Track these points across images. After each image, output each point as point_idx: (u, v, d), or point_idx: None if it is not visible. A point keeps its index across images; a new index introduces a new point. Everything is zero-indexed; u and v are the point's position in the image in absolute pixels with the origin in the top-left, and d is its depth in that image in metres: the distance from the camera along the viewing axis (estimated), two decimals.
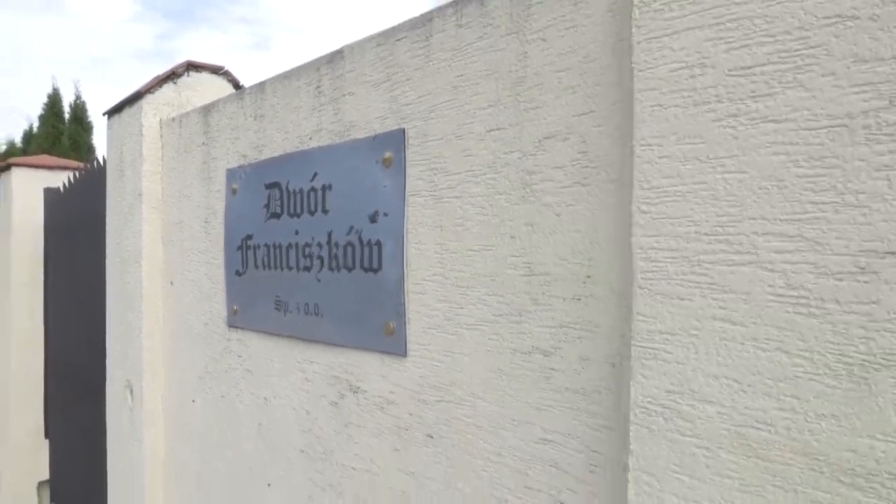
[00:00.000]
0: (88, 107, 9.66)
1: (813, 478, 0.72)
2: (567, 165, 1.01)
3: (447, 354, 1.20)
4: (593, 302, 0.98)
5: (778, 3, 0.74)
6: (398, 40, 1.31)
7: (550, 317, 1.03)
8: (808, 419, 0.72)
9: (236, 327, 1.85)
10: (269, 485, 1.72)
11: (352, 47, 1.43)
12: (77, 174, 3.31)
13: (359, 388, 1.42)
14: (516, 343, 1.08)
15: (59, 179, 3.78)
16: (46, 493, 3.93)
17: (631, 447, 0.87)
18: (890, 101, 0.67)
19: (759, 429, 0.76)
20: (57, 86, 11.20)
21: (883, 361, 0.67)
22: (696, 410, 0.81)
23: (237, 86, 2.38)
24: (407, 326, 1.29)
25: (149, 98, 2.22)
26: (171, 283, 2.19)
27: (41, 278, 3.84)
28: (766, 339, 0.75)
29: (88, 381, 3.07)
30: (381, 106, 1.35)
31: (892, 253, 0.67)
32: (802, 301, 0.72)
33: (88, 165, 3.17)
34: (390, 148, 1.31)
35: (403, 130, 1.29)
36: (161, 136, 2.22)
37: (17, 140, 10.26)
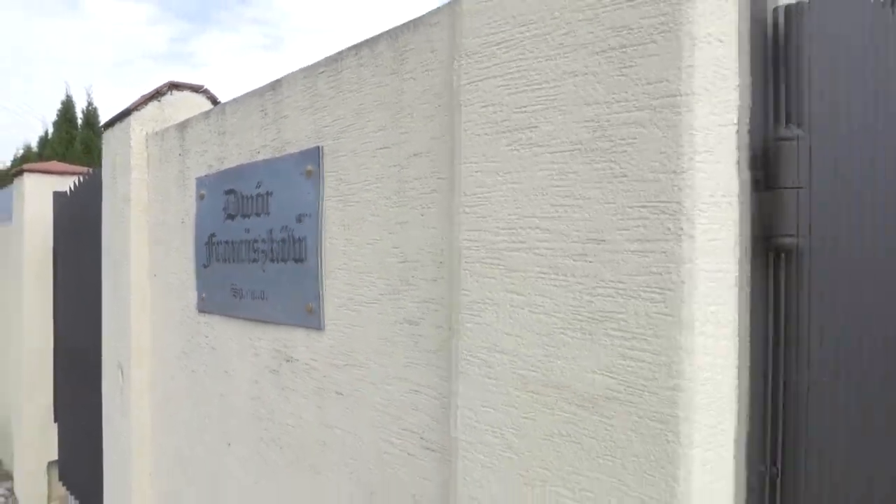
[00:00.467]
0: (101, 112, 10.12)
1: (562, 403, 1.00)
2: (426, 177, 1.30)
3: (350, 327, 1.50)
4: (443, 283, 1.26)
5: (538, 60, 1.03)
6: (319, 73, 1.61)
7: (417, 295, 1.32)
8: (559, 361, 1.00)
9: (204, 312, 2.15)
10: (229, 444, 2.02)
11: (287, 78, 1.73)
12: (80, 179, 3.65)
13: (291, 357, 1.72)
14: (395, 316, 1.37)
15: (67, 183, 4.12)
16: (55, 473, 4.27)
17: (459, 389, 1.16)
18: (594, 133, 0.95)
19: (532, 371, 1.04)
20: (70, 93, 11.68)
21: (600, 318, 0.96)
22: (495, 359, 1.09)
23: (215, 102, 2.69)
24: (323, 306, 1.58)
25: (136, 115, 2.54)
26: (155, 276, 2.50)
27: (51, 273, 4.19)
28: (536, 304, 1.03)
29: (92, 367, 3.40)
30: (307, 127, 1.64)
31: (603, 241, 0.95)
32: (555, 276, 1.01)
33: (90, 171, 3.50)
34: (311, 162, 1.61)
35: (320, 148, 1.58)
36: (146, 149, 2.54)
37: (34, 145, 10.73)
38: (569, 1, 0.98)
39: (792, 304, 0.98)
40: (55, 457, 4.26)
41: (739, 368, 0.96)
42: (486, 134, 1.11)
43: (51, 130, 10.01)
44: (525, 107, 1.05)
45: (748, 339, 0.96)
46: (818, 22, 0.98)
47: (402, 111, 1.36)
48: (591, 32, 0.95)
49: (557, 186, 1.00)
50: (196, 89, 2.68)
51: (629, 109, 0.91)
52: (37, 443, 4.27)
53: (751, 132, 0.96)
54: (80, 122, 9.86)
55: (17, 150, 11.31)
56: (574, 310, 0.98)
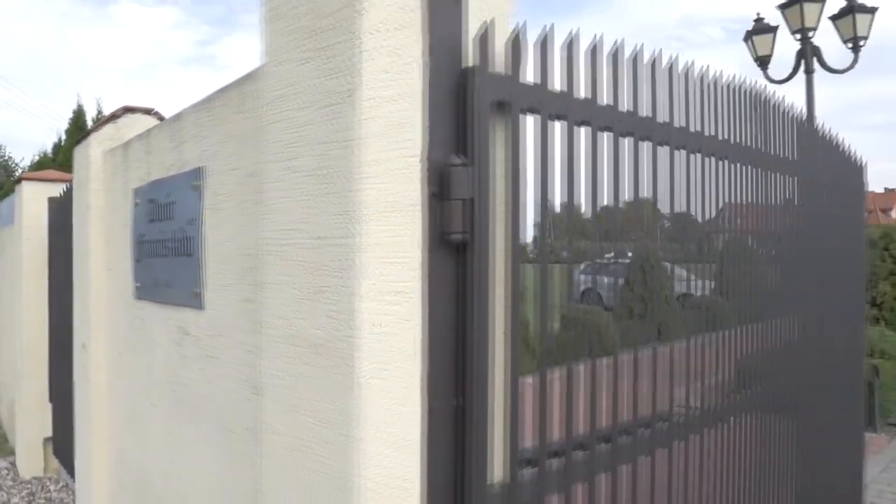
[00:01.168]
0: None
1: (304, 350, 1.42)
2: (254, 192, 1.73)
3: (218, 306, 1.94)
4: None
5: (295, 110, 1.45)
6: (201, 109, 2.06)
7: (251, 279, 1.76)
8: (301, 321, 1.43)
9: (139, 299, 2.62)
10: (153, 405, 2.48)
11: (185, 111, 2.19)
12: (67, 187, 4.17)
13: (188, 332, 2.17)
14: (240, 296, 1.81)
15: (61, 190, 4.66)
16: (50, 447, 4.81)
17: (263, 346, 1.59)
18: (319, 163, 1.37)
19: (291, 329, 1.46)
20: (81, 102, 12.45)
21: (320, 289, 1.37)
22: (277, 323, 1.52)
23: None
24: (203, 291, 2.03)
25: (95, 135, 3.03)
26: (109, 270, 2.98)
27: (46, 269, 4.73)
28: (291, 282, 1.46)
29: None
30: (196, 151, 2.10)
31: (324, 237, 1.37)
32: (300, 262, 1.43)
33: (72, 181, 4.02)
34: (197, 178, 2.06)
35: (203, 167, 2.03)
36: (103, 163, 3.02)
37: (49, 151, 11.48)
38: (302, 77, 1.41)
39: (462, 279, 1.39)
40: (50, 433, 4.79)
41: (423, 325, 1.37)
42: (274, 161, 1.54)
43: (64, 138, 10.73)
44: (291, 143, 1.47)
45: (429, 304, 1.38)
46: (480, 83, 1.39)
47: (244, 142, 1.80)
48: (316, 94, 1.38)
49: (304, 199, 1.43)
50: (147, 111, 3.15)
51: (334, 148, 1.33)
52: (34, 421, 4.81)
53: (430, 159, 1.37)
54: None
55: (35, 155, 12.08)
56: (308, 284, 1.40)
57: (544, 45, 1.54)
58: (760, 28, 7.55)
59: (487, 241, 1.41)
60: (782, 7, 6.98)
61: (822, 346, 2.89)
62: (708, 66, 2.10)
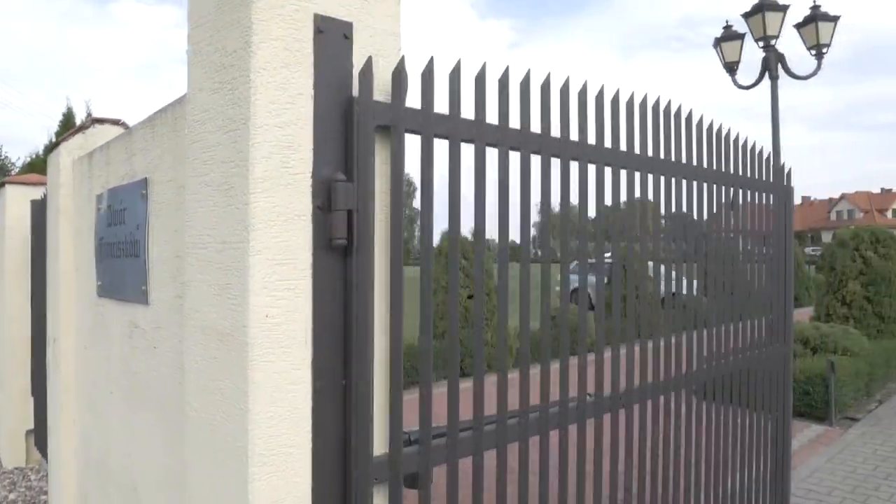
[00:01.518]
0: None
1: (214, 338, 1.66)
2: (182, 202, 1.97)
3: (158, 302, 2.18)
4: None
5: (210, 133, 1.69)
6: (147, 126, 2.30)
7: (180, 279, 2.00)
8: (212, 314, 1.66)
9: (100, 296, 2.86)
10: (111, 392, 2.72)
11: (136, 126, 2.43)
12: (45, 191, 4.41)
13: (137, 325, 2.41)
14: (173, 293, 2.05)
15: (42, 193, 4.90)
16: (31, 439, 5.05)
17: (185, 336, 1.83)
18: (224, 179, 1.61)
19: (205, 321, 1.70)
20: (71, 104, 12.78)
21: (225, 286, 1.61)
22: (196, 315, 1.76)
23: None
24: (148, 288, 2.27)
25: (65, 144, 3.27)
26: (77, 270, 3.22)
27: (29, 269, 4.98)
28: (207, 280, 1.70)
29: None
30: (143, 163, 2.34)
31: (227, 242, 1.61)
32: (209, 263, 1.67)
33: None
34: (144, 188, 2.30)
35: (147, 178, 2.27)
36: (72, 171, 3.27)
37: (41, 152, 11.77)
38: (213, 105, 1.65)
39: (345, 277, 1.63)
40: (32, 426, 5.03)
41: (311, 316, 1.61)
42: (193, 176, 1.78)
43: (54, 139, 11.03)
44: (206, 161, 1.71)
45: (317, 299, 1.62)
46: (361, 110, 1.62)
47: (177, 157, 2.04)
48: (223, 120, 1.62)
49: (214, 210, 1.67)
50: (115, 122, 3.39)
51: (234, 166, 1.57)
52: (17, 414, 5.05)
53: (316, 177, 1.61)
54: None
55: (28, 155, 12.36)
56: (217, 282, 1.64)
57: (427, 74, 1.77)
58: (729, 35, 7.79)
59: (368, 245, 1.65)
60: (746, 16, 7.22)
61: (732, 339, 3.13)
62: (604, 86, 2.34)
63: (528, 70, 2.06)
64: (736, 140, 3.17)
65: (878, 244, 9.32)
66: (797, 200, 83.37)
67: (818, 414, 6.48)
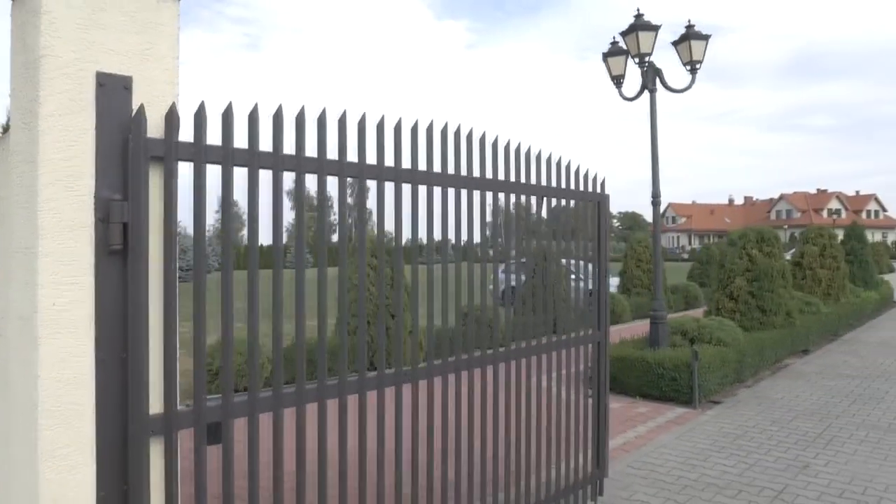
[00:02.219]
0: None
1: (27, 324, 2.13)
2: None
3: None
4: None
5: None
6: None
7: (8, 275, 2.45)
8: (25, 305, 2.13)
9: None
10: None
11: None
12: None
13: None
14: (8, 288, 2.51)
15: None
16: None
17: (7, 331, 2.29)
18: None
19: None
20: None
21: (32, 279, 2.08)
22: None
23: None
24: None
25: None
26: None
27: None
28: (26, 280, 2.16)
29: None
30: None
31: (27, 247, 2.08)
32: (19, 264, 2.13)
33: None
34: None
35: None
36: None
37: None
38: (22, 141, 2.11)
39: (121, 277, 2.12)
40: None
41: (95, 305, 2.09)
42: (10, 196, 2.23)
43: None
44: (18, 185, 2.17)
45: (100, 291, 2.09)
46: (134, 145, 2.11)
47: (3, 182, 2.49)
48: (27, 153, 2.09)
49: (20, 222, 2.13)
50: None
51: (31, 189, 2.04)
52: None
53: (98, 197, 2.09)
54: None
55: None
56: (23, 278, 2.10)
57: (199, 114, 2.27)
58: (615, 51, 8.47)
59: (143, 249, 2.14)
60: (623, 34, 7.92)
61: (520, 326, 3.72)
62: (401, 118, 2.87)
63: (303, 107, 2.58)
64: (558, 161, 3.78)
65: (762, 243, 10.17)
66: (740, 201, 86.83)
67: (684, 399, 7.18)
